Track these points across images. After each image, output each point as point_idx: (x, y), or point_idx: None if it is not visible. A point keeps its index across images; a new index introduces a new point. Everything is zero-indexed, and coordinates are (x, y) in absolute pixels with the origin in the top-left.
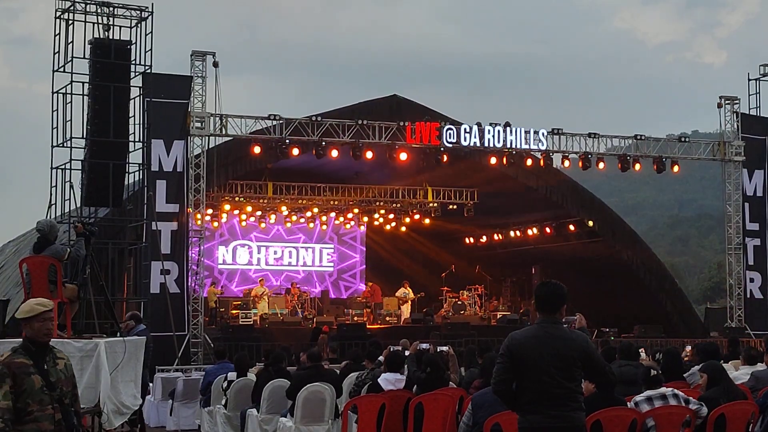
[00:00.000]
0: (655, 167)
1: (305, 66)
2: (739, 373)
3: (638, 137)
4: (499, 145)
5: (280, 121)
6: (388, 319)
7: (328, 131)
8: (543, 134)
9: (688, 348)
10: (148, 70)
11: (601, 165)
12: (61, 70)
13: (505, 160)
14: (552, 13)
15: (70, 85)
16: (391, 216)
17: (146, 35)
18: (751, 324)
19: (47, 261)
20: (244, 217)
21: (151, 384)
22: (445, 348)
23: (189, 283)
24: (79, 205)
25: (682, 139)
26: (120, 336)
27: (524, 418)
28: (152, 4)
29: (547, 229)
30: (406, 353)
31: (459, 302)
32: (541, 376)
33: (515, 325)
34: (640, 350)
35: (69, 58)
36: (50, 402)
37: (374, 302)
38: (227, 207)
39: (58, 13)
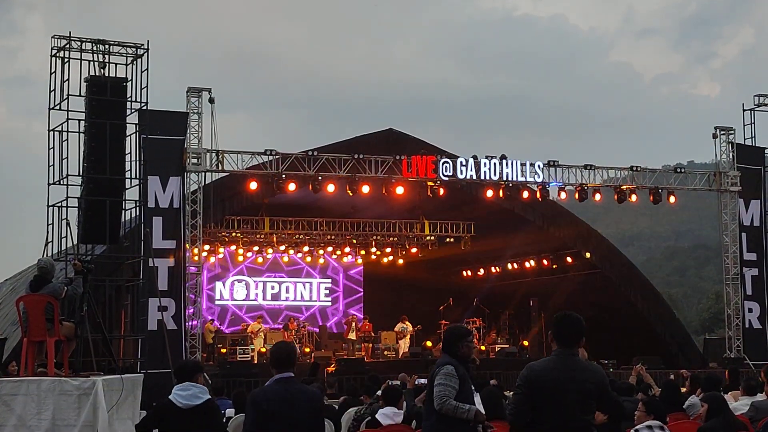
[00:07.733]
0: (652, 198)
1: (301, 102)
2: (738, 403)
3: (634, 168)
4: (495, 178)
5: (277, 156)
6: (386, 353)
7: (325, 166)
8: (539, 166)
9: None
10: (144, 107)
11: (598, 196)
12: (57, 108)
13: (501, 192)
14: (548, 47)
15: (66, 123)
16: (388, 249)
17: (142, 72)
18: (750, 354)
19: (44, 299)
20: (241, 252)
21: None
22: None
23: (186, 319)
24: (75, 242)
25: (678, 170)
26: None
27: None
28: (147, 41)
29: (545, 262)
30: (406, 385)
31: None
32: (559, 408)
33: (514, 358)
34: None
35: (65, 96)
36: None
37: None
38: (224, 242)
39: (54, 52)
